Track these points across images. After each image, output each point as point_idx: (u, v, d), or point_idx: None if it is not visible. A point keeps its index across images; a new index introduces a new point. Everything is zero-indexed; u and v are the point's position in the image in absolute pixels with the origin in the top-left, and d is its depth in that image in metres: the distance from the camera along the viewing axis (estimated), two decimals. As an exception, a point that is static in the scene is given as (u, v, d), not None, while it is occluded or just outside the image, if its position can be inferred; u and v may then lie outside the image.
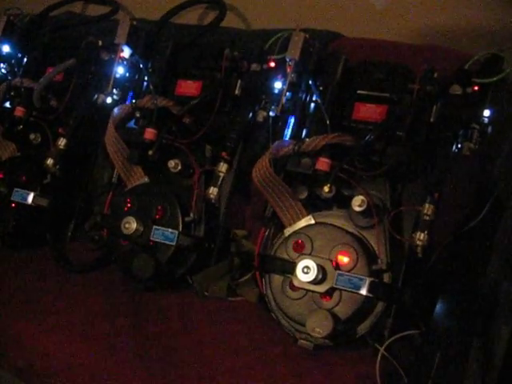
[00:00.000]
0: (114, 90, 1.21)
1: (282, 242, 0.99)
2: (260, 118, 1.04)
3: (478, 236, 1.00)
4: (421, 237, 0.86)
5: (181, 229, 1.07)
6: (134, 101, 1.14)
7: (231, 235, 1.17)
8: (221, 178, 1.02)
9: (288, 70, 1.02)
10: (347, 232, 0.96)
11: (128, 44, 1.14)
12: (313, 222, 1.00)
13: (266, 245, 1.04)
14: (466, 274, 0.96)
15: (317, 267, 0.91)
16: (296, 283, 0.93)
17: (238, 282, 1.11)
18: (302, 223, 1.00)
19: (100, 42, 1.27)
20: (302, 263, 0.92)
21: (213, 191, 1.01)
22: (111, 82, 1.15)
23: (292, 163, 0.99)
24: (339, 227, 0.97)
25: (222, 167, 1.02)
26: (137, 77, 1.19)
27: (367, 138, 0.91)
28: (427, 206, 0.87)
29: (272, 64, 1.08)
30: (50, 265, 1.23)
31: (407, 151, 0.94)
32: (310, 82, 1.00)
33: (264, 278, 1.01)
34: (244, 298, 1.10)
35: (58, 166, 1.18)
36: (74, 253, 1.25)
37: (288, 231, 1.00)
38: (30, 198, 1.21)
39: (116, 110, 1.16)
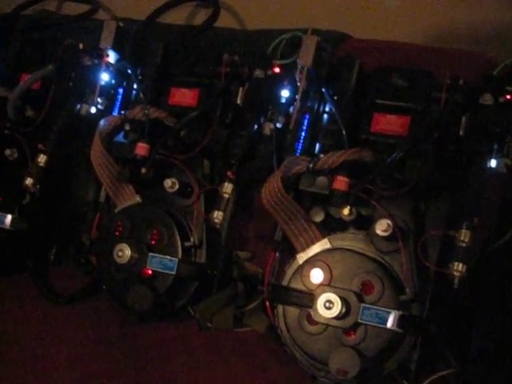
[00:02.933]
0: (99, 99, 1.09)
1: (297, 269, 0.90)
2: (267, 131, 0.94)
3: (505, 257, 0.92)
4: (459, 267, 0.77)
5: (180, 256, 0.96)
6: (122, 112, 1.02)
7: (233, 257, 1.07)
8: (226, 201, 0.91)
9: (298, 77, 0.92)
10: (370, 258, 0.87)
11: (114, 48, 1.02)
12: (329, 246, 0.90)
13: (275, 271, 0.95)
14: (498, 301, 0.88)
15: (340, 301, 0.81)
16: (317, 319, 0.83)
17: (243, 310, 1.01)
18: (317, 248, 0.90)
19: (81, 46, 1.14)
20: (324, 297, 0.82)
21: (218, 215, 0.90)
22: (97, 91, 1.03)
23: (305, 182, 0.89)
24: (360, 253, 0.88)
25: (227, 188, 0.91)
26: (125, 84, 1.07)
27: (394, 155, 0.81)
28: (464, 232, 0.78)
29: (277, 70, 0.98)
30: (30, 293, 1.11)
31: (433, 168, 0.86)
32: (324, 91, 0.90)
33: (276, 308, 0.91)
34: (252, 328, 1.00)
35: (38, 186, 1.06)
36: (58, 280, 1.13)
37: (301, 257, 0.91)
38: (8, 221, 1.08)
39: (103, 121, 1.03)
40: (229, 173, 0.90)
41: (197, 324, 0.99)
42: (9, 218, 1.08)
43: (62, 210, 1.18)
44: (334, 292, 0.82)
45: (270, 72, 0.97)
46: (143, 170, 0.98)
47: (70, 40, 1.14)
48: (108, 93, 1.10)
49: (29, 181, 1.05)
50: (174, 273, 0.95)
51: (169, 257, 0.95)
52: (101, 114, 1.10)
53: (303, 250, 0.91)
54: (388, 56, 1.01)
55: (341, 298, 0.82)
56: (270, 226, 1.08)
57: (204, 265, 0.98)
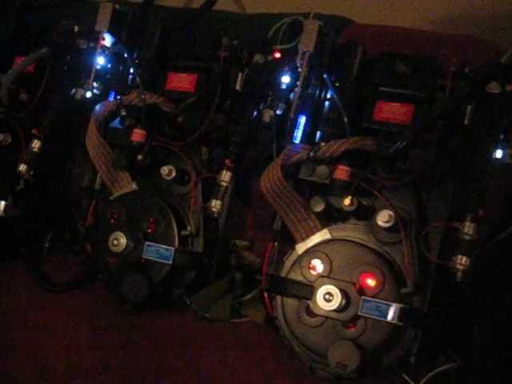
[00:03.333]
0: (95, 84, 1.06)
1: (296, 260, 0.88)
2: (266, 118, 0.91)
3: (508, 250, 0.90)
4: (462, 260, 0.75)
5: (177, 245, 0.94)
6: (118, 97, 0.99)
7: (231, 246, 1.05)
8: (224, 189, 0.89)
9: (299, 63, 0.89)
10: (371, 250, 0.85)
11: (110, 31, 0.99)
12: (329, 236, 0.88)
13: (273, 261, 0.93)
14: (501, 295, 0.86)
15: (340, 294, 0.79)
16: (316, 311, 0.82)
17: (241, 300, 1.00)
18: (317, 238, 0.88)
19: (76, 28, 1.11)
20: (323, 289, 0.80)
21: (215, 204, 0.88)
22: (92, 75, 1.00)
23: (305, 171, 0.87)
24: (361, 244, 0.86)
25: (225, 176, 0.89)
26: (121, 68, 1.04)
27: (398, 144, 0.79)
28: (468, 224, 0.76)
29: (277, 55, 0.95)
30: (24, 280, 1.09)
31: (437, 157, 0.83)
32: (325, 77, 0.87)
33: (274, 299, 0.90)
34: (249, 318, 0.98)
35: (31, 172, 1.04)
36: (52, 267, 1.11)
37: (301, 248, 0.89)
38: (1, 207, 1.06)
39: (98, 107, 1.01)
40: (227, 161, 0.88)
41: (193, 314, 0.98)
42: (2, 204, 1.06)
43: (57, 196, 1.16)
44: (333, 284, 0.81)
45: (270, 57, 0.94)
46: (139, 157, 0.95)
47: (64, 22, 1.11)
48: (104, 77, 1.07)
49: (22, 167, 1.02)
50: (170, 262, 0.93)
51: (165, 246, 0.93)
52: (96, 98, 1.07)
53: (302, 240, 0.89)
54: (392, 42, 0.99)
55: (341, 290, 0.80)
56: (269, 215, 1.07)
57: (201, 254, 0.96)
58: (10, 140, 1.10)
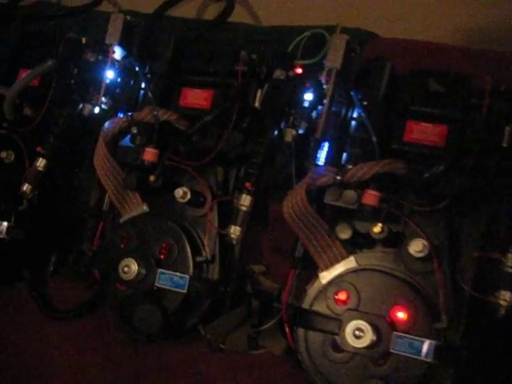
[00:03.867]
0: (103, 99, 1.01)
1: (320, 291, 0.82)
2: (288, 138, 0.85)
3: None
4: (506, 296, 0.70)
5: (192, 272, 0.89)
6: (129, 113, 0.93)
7: (247, 272, 0.99)
8: (244, 214, 0.83)
9: (324, 79, 0.84)
10: (402, 280, 0.79)
11: (121, 44, 0.94)
12: (355, 265, 0.83)
13: (294, 290, 0.87)
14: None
15: (371, 330, 0.74)
16: (344, 347, 0.76)
17: (259, 330, 0.94)
18: (342, 267, 0.83)
19: (84, 40, 1.06)
20: (353, 324, 0.75)
21: (235, 231, 0.82)
22: (102, 90, 0.94)
23: (331, 195, 0.82)
24: (390, 273, 0.80)
25: (245, 200, 0.83)
26: (132, 83, 0.99)
27: (435, 169, 0.74)
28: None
29: (299, 71, 0.90)
30: (26, 306, 1.04)
31: (472, 181, 0.78)
32: (352, 95, 0.82)
33: (295, 330, 0.84)
34: (268, 350, 0.92)
35: (36, 192, 0.98)
36: (57, 292, 1.05)
37: (324, 277, 0.83)
38: (3, 229, 1.00)
39: (108, 124, 0.95)
40: (247, 184, 0.82)
41: (208, 345, 0.92)
42: (4, 225, 1.00)
43: (62, 216, 1.10)
44: (363, 319, 0.75)
45: (291, 73, 0.89)
46: (152, 178, 0.90)
47: (71, 34, 1.06)
48: (113, 92, 1.01)
49: (26, 187, 0.97)
50: (184, 291, 0.87)
51: (179, 273, 0.88)
52: (105, 114, 1.02)
53: (326, 268, 0.83)
54: (419, 57, 0.94)
55: (371, 325, 0.74)
56: (286, 238, 1.01)
57: (217, 282, 0.90)
58: (13, 157, 1.05)
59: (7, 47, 1.10)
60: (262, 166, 0.85)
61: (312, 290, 0.84)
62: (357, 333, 0.74)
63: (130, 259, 0.88)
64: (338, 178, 0.80)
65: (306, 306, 0.83)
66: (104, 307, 1.00)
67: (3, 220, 1.00)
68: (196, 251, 0.90)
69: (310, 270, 0.87)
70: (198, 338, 0.92)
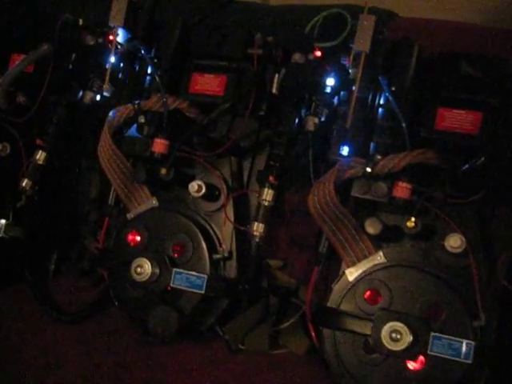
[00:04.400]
0: (105, 86, 0.94)
1: (348, 288, 0.78)
2: (310, 126, 0.80)
3: None
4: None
5: (209, 270, 0.83)
6: (136, 101, 0.87)
7: (263, 266, 0.95)
8: (266, 209, 0.78)
9: (347, 63, 0.78)
10: (436, 277, 0.75)
11: (126, 27, 0.87)
12: (384, 260, 0.78)
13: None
14: None
15: (409, 332, 0.70)
16: (379, 349, 0.72)
17: (279, 328, 0.90)
18: (369, 263, 0.78)
19: (81, 22, 0.98)
20: (389, 326, 0.71)
21: (258, 228, 0.77)
22: (107, 77, 0.87)
23: (359, 188, 0.77)
24: (423, 270, 0.76)
25: (268, 195, 0.78)
26: (136, 68, 0.92)
27: (474, 161, 0.69)
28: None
29: (318, 54, 0.84)
30: (29, 307, 0.97)
31: (508, 172, 0.74)
32: (380, 80, 0.77)
33: (320, 330, 0.80)
34: (289, 349, 0.88)
35: (36, 188, 0.91)
36: (60, 292, 0.99)
37: (351, 273, 0.79)
38: (1, 227, 0.93)
39: (112, 113, 0.89)
40: (271, 178, 0.77)
41: (226, 346, 0.87)
42: (2, 223, 0.93)
43: (62, 211, 1.04)
44: (399, 320, 0.71)
45: (311, 56, 0.83)
46: (163, 171, 0.84)
47: (67, 15, 0.98)
48: (115, 78, 0.95)
49: (26, 182, 0.90)
50: (202, 291, 0.82)
51: (196, 273, 0.82)
52: (107, 102, 0.95)
53: (353, 264, 0.79)
54: (442, 39, 0.88)
55: (409, 327, 0.70)
56: (303, 231, 0.97)
57: (235, 280, 0.85)
58: (8, 150, 0.98)
59: (-3, 30, 1.02)
60: (284, 157, 0.79)
61: (338, 288, 0.79)
62: (393, 335, 0.70)
63: (143, 259, 0.83)
64: (368, 169, 0.75)
65: (332, 304, 0.79)
66: (112, 307, 0.95)
67: (0, 218, 0.94)
68: (212, 248, 0.85)
69: (329, 266, 0.84)
70: (214, 338, 0.88)
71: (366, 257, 0.79)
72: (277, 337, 0.89)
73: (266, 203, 0.78)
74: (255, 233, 0.77)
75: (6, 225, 0.93)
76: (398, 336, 0.70)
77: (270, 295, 0.91)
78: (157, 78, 0.86)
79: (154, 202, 0.90)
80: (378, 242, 0.80)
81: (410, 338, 0.70)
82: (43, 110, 0.96)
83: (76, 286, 1.01)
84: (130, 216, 0.90)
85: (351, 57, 0.77)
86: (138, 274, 0.82)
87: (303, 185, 0.86)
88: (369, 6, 0.93)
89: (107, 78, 0.87)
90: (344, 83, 0.81)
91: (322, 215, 0.77)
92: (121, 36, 0.90)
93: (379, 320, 0.72)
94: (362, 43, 0.74)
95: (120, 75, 0.94)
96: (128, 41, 0.89)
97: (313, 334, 0.81)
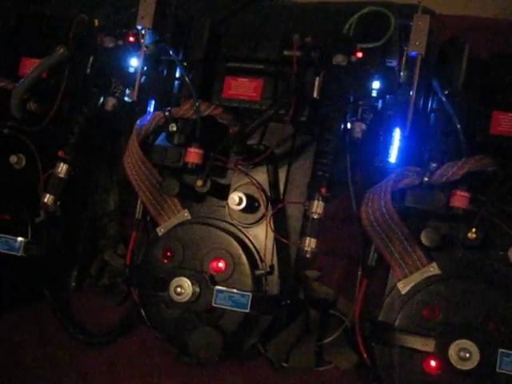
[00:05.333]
0: (127, 90, 0.88)
1: (403, 303, 0.74)
2: (358, 134, 0.76)
3: None
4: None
5: (251, 287, 0.79)
6: (167, 108, 0.81)
7: (301, 278, 0.90)
8: (317, 223, 0.73)
9: (398, 65, 0.74)
10: (496, 289, 0.72)
11: (155, 28, 0.81)
12: (438, 272, 0.75)
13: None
14: None
15: (478, 350, 0.66)
16: (450, 369, 0.68)
17: (322, 343, 0.86)
18: (420, 275, 0.75)
19: (96, 22, 0.92)
20: (457, 345, 0.67)
21: (310, 243, 0.72)
22: (137, 83, 0.81)
23: (414, 197, 0.73)
24: (481, 282, 0.73)
25: (318, 207, 0.73)
26: (165, 73, 0.86)
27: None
28: None
29: (359, 55, 0.80)
30: (50, 327, 0.92)
31: None
32: (434, 84, 0.73)
33: (371, 345, 0.76)
34: (335, 365, 0.84)
35: (59, 203, 0.85)
36: (83, 311, 0.94)
37: (403, 287, 0.75)
38: (20, 245, 0.87)
39: (141, 121, 0.83)
40: (322, 190, 0.72)
41: (270, 364, 0.83)
42: (20, 241, 0.87)
43: (81, 224, 0.97)
44: (469, 338, 0.67)
45: (353, 58, 0.78)
46: (199, 183, 0.79)
47: (82, 15, 0.92)
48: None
49: (48, 198, 0.83)
50: (247, 310, 0.77)
51: (239, 291, 0.78)
52: (129, 108, 0.89)
53: (405, 277, 0.75)
54: (485, 36, 0.85)
55: (478, 344, 0.67)
56: (339, 239, 0.93)
57: (278, 296, 0.81)
58: (24, 162, 0.91)
59: (3, 31, 0.94)
60: (332, 165, 0.75)
61: (390, 301, 0.76)
62: (462, 354, 0.67)
63: (183, 278, 0.77)
64: (426, 179, 0.71)
65: (384, 319, 0.75)
66: (142, 327, 0.90)
67: (18, 234, 0.87)
68: (254, 263, 0.80)
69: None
70: (255, 356, 0.84)
71: (418, 269, 0.75)
72: (321, 352, 0.85)
73: (317, 216, 0.73)
74: (307, 248, 0.73)
75: (26, 243, 0.87)
76: (467, 355, 0.67)
77: (310, 309, 0.87)
78: (188, 82, 0.81)
79: (186, 215, 0.85)
80: (429, 252, 0.76)
81: (479, 357, 0.67)
82: (59, 117, 0.90)
83: (99, 303, 0.95)
84: (160, 230, 0.85)
85: (404, 58, 0.72)
86: (178, 294, 0.77)
87: (338, 191, 0.82)
88: (404, 2, 0.90)
89: (137, 84, 0.80)
90: (391, 86, 0.77)
91: (375, 226, 0.74)
92: (147, 38, 0.84)
93: (443, 338, 0.69)
94: (418, 45, 0.70)
95: (143, 79, 0.89)
96: (155, 43, 0.83)
97: (362, 349, 0.77)
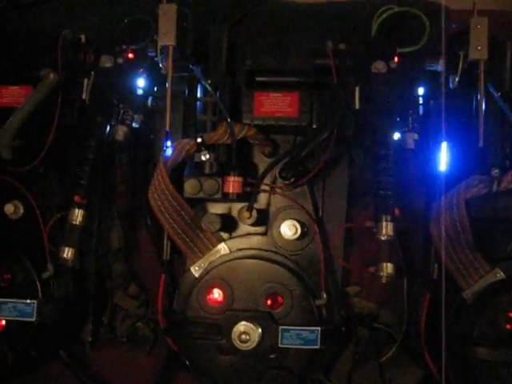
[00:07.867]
0: (135, 116, 0.77)
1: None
2: (410, 145, 0.71)
3: None
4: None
5: (317, 320, 0.72)
6: (199, 135, 0.71)
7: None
8: (390, 247, 0.68)
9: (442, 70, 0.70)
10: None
11: (179, 45, 0.69)
12: (503, 277, 0.73)
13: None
14: None
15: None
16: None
17: (379, 362, 0.82)
18: (485, 282, 0.72)
19: (83, 38, 0.79)
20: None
21: (388, 268, 0.67)
22: (168, 111, 0.68)
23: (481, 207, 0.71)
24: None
25: (388, 228, 0.68)
26: (186, 93, 0.76)
27: None
28: None
29: (396, 60, 0.75)
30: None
31: None
32: (490, 88, 0.70)
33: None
34: (398, 382, 0.81)
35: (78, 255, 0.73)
36: (107, 366, 0.82)
37: (468, 296, 0.73)
38: (33, 309, 0.73)
39: (169, 150, 0.72)
40: (396, 210, 0.67)
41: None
42: (32, 304, 0.74)
43: (87, 268, 0.85)
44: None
45: (393, 64, 0.73)
46: (246, 215, 0.71)
47: (65, 31, 0.78)
48: (142, 105, 0.78)
49: (67, 252, 0.71)
50: (317, 346, 0.71)
51: (306, 327, 0.71)
52: (137, 134, 0.78)
53: (468, 286, 0.73)
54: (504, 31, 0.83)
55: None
56: (374, 251, 0.89)
57: (340, 325, 0.75)
58: (22, 210, 0.76)
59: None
60: (392, 183, 0.70)
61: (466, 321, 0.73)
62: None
63: (247, 323, 0.69)
64: (495, 187, 0.69)
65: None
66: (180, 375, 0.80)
67: (26, 296, 0.74)
68: (312, 294, 0.74)
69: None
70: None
71: (481, 277, 0.74)
72: (381, 370, 0.81)
73: (388, 238, 0.68)
74: (382, 273, 0.68)
75: (38, 305, 0.74)
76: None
77: (359, 327, 0.83)
78: (220, 104, 0.71)
79: (224, 250, 0.77)
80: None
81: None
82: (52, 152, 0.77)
83: (120, 354, 0.84)
84: (195, 269, 0.76)
85: (460, 64, 0.69)
86: (244, 342, 0.69)
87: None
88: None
89: (168, 110, 0.69)
90: (434, 91, 0.74)
91: (445, 239, 0.70)
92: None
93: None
94: (480, 50, 0.66)
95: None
96: (179, 60, 0.72)
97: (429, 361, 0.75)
